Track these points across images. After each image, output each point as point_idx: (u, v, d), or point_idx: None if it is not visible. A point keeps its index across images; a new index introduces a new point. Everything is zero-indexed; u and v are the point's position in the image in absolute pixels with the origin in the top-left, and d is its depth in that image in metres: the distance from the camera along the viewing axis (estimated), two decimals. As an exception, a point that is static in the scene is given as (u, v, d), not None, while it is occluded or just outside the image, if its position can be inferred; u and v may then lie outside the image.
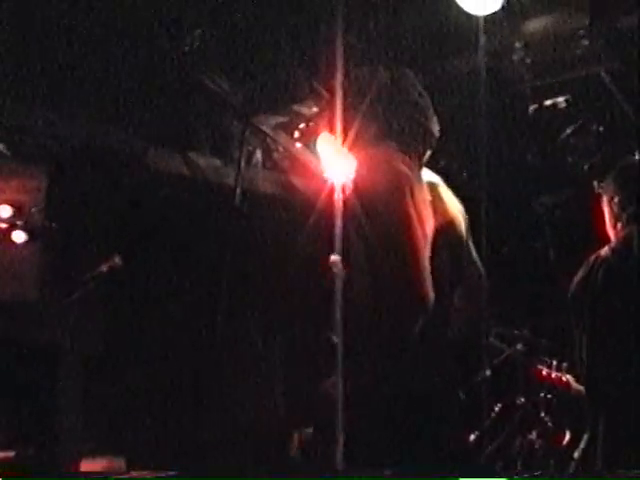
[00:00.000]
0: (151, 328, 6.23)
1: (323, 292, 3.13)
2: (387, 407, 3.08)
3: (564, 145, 5.94)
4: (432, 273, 3.12)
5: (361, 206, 3.09)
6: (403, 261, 3.03)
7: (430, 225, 3.17)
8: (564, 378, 5.05)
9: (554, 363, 5.13)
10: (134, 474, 4.49)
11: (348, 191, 3.15)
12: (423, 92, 3.44)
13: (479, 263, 3.39)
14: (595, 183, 5.22)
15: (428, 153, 3.41)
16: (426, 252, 3.07)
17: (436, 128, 3.43)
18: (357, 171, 3.19)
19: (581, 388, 4.84)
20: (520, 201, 6.20)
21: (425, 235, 3.13)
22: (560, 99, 5.85)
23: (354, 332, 3.03)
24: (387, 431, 3.08)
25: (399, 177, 3.15)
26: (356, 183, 3.15)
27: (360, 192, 3.12)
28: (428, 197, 3.25)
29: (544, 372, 5.13)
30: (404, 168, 3.21)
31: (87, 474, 5.31)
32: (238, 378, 6.60)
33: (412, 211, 3.08)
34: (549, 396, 5.17)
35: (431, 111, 3.43)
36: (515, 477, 3.24)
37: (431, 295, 3.02)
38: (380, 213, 3.08)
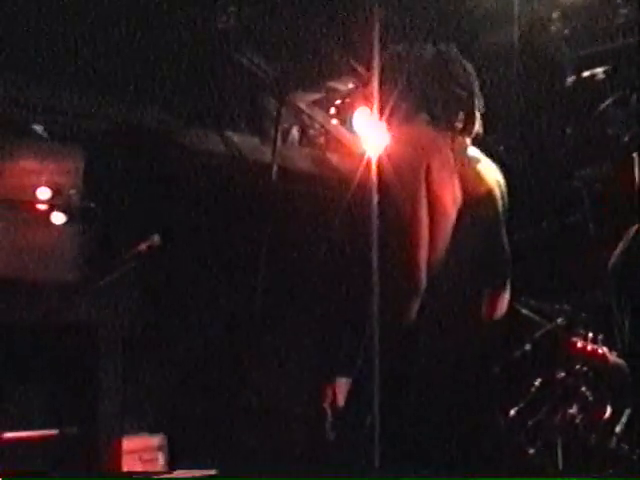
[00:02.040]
0: (190, 307, 6.25)
1: (358, 270, 3.12)
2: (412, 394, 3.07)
3: (603, 117, 5.86)
4: (454, 251, 3.10)
5: (384, 184, 3.08)
6: (400, 242, 3.02)
7: (453, 203, 3.14)
8: (600, 350, 5.01)
9: (590, 335, 5.09)
10: (176, 473, 4.53)
11: (379, 168, 3.14)
12: (468, 67, 3.40)
13: (506, 246, 3.35)
14: (635, 155, 5.16)
15: (474, 128, 3.37)
16: (426, 235, 3.04)
17: (479, 102, 3.39)
18: (387, 148, 3.17)
19: (619, 360, 4.81)
20: (559, 174, 6.14)
21: (443, 214, 3.10)
22: (599, 70, 5.77)
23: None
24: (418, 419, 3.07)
25: (417, 155, 3.12)
26: (384, 160, 3.14)
27: (385, 170, 3.10)
28: (458, 175, 3.21)
29: (579, 345, 5.09)
30: (429, 145, 3.19)
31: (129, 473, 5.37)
32: (277, 356, 6.62)
33: (421, 192, 3.06)
34: (585, 369, 5.12)
35: (474, 86, 3.39)
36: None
37: (423, 277, 3.00)
38: (393, 192, 3.06)
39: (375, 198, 3.09)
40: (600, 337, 5.04)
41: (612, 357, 4.91)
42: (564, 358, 5.20)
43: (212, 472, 4.42)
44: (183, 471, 4.59)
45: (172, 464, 5.90)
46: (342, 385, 3.27)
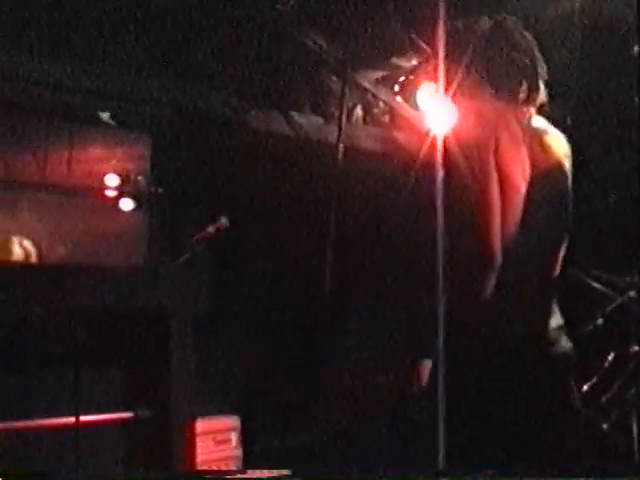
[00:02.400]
0: (260, 288, 6.28)
1: (424, 247, 3.11)
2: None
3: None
4: (526, 226, 3.07)
5: (453, 161, 3.05)
6: (474, 219, 3.00)
7: (523, 177, 3.11)
8: None
9: None
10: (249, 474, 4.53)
11: (447, 145, 3.11)
12: (528, 35, 3.37)
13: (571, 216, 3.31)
14: None
15: (538, 97, 3.33)
16: (499, 211, 3.02)
17: (542, 69, 3.35)
18: (453, 125, 3.15)
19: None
20: (628, 145, 6.05)
21: (513, 189, 3.07)
22: (665, 37, 5.67)
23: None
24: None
25: (485, 131, 3.10)
26: (451, 138, 3.11)
27: (453, 147, 3.08)
28: (526, 147, 3.17)
29: None
30: (496, 119, 3.16)
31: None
32: (348, 335, 6.63)
33: (491, 168, 3.03)
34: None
35: (536, 53, 3.35)
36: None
37: (498, 254, 2.98)
38: (463, 169, 3.04)
39: (441, 175, 3.07)
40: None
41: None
42: (637, 332, 5.15)
43: (286, 472, 4.43)
44: (256, 471, 4.61)
45: (246, 445, 5.95)
46: (426, 367, 3.25)
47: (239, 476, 4.76)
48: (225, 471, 5.50)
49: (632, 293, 5.34)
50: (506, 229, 3.04)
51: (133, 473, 5.26)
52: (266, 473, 4.37)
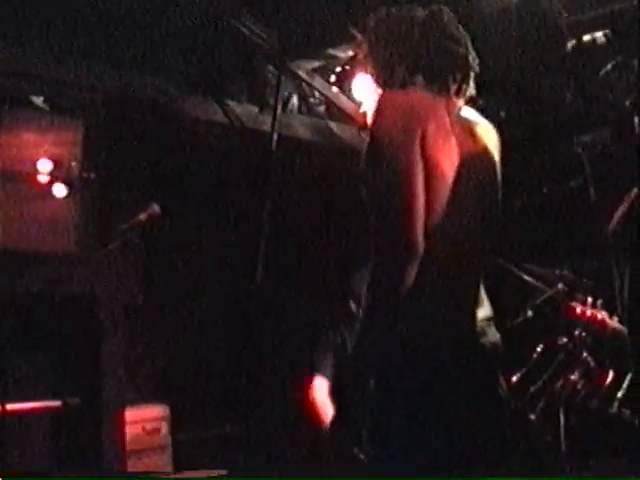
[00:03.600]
0: (191, 275, 6.26)
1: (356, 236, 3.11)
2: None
3: (604, 82, 5.83)
4: (454, 215, 3.07)
5: (377, 152, 3.04)
6: (395, 207, 2.99)
7: (451, 166, 3.10)
8: (599, 315, 4.99)
9: (589, 301, 5.07)
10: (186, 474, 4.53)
11: (372, 135, 3.09)
12: (460, 28, 3.37)
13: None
14: (636, 120, 5.13)
15: (468, 89, 3.33)
16: (422, 199, 3.02)
17: (474, 61, 3.35)
18: (378, 114, 3.13)
19: (617, 325, 4.81)
20: (560, 140, 6.12)
21: (441, 178, 3.07)
22: (599, 34, 5.73)
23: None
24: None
25: (411, 121, 3.09)
26: (376, 128, 3.09)
27: (378, 137, 3.06)
28: (455, 137, 3.17)
29: (578, 310, 5.07)
30: (424, 110, 3.15)
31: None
32: (280, 324, 6.64)
33: (416, 157, 3.02)
34: (585, 334, 5.11)
35: (468, 44, 3.34)
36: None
37: (419, 242, 2.98)
38: (386, 159, 3.03)
39: (365, 165, 3.06)
40: (600, 302, 5.03)
41: (611, 322, 4.89)
42: (565, 324, 5.20)
43: (222, 472, 4.43)
44: (192, 472, 4.61)
45: (175, 434, 5.94)
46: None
47: (172, 477, 4.76)
48: (160, 472, 5.49)
49: (561, 286, 5.38)
50: (432, 218, 3.04)
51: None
52: (202, 473, 4.37)
